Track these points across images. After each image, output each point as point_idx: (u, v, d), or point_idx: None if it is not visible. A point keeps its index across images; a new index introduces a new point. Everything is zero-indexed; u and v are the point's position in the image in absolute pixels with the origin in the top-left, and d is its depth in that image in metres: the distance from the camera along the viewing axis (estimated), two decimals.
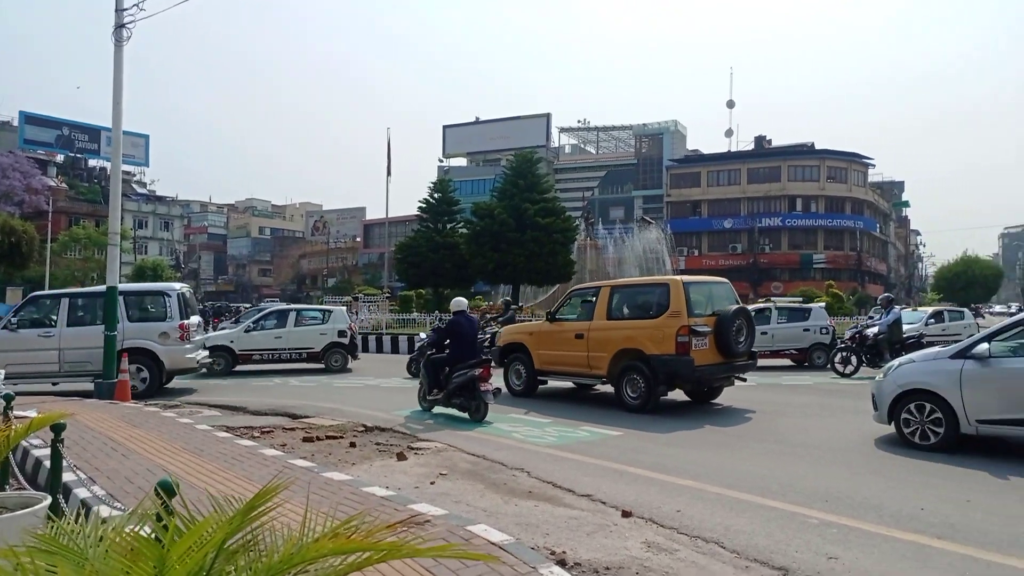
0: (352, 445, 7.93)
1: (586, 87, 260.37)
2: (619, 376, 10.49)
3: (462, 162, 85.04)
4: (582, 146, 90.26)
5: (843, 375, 14.90)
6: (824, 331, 17.60)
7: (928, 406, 7.51)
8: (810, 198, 66.61)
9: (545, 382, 12.24)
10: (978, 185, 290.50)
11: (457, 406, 9.86)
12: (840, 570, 4.14)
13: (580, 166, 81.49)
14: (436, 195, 42.31)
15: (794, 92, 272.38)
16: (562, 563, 4.19)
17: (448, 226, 41.86)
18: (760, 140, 73.08)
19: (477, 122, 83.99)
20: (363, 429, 8.95)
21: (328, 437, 8.31)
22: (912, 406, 7.66)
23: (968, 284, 53.88)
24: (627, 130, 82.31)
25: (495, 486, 6.17)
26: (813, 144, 69.44)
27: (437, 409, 10.39)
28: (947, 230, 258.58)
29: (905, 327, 20.27)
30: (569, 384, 12.21)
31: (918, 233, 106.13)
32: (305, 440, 8.14)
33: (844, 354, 15.21)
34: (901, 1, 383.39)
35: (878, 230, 73.32)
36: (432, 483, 6.24)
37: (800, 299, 25.46)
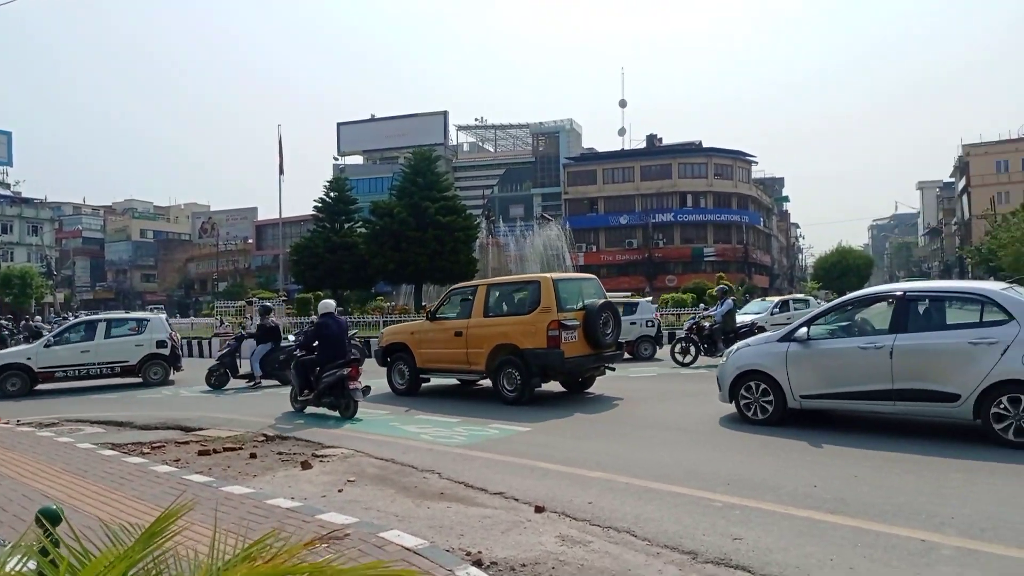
0: (253, 456, 7.58)
1: (483, 85, 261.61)
2: (496, 370, 10.88)
3: (358, 160, 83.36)
4: (480, 144, 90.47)
5: (682, 364, 15.62)
6: (650, 324, 18.64)
7: (762, 385, 8.23)
8: (699, 194, 69.59)
9: (428, 380, 12.43)
10: (849, 181, 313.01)
11: (327, 405, 10.18)
12: (744, 549, 4.31)
13: (479, 164, 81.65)
14: (332, 194, 41.30)
15: (681, 92, 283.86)
16: (478, 563, 4.16)
17: (346, 226, 40.95)
18: (651, 139, 75.61)
19: (372, 119, 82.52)
20: (264, 439, 8.59)
21: (226, 449, 7.91)
22: (750, 384, 8.36)
23: (843, 273, 57.65)
24: (524, 128, 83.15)
25: (406, 490, 6.05)
26: (701, 143, 72.53)
27: (311, 411, 10.55)
28: (823, 223, 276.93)
29: (752, 316, 21.71)
30: (453, 381, 12.54)
31: (798, 226, 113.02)
32: (201, 454, 7.72)
33: (683, 344, 15.93)
34: (780, 15, 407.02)
35: (762, 224, 77.52)
36: (340, 491, 6.05)
37: (629, 294, 26.97)
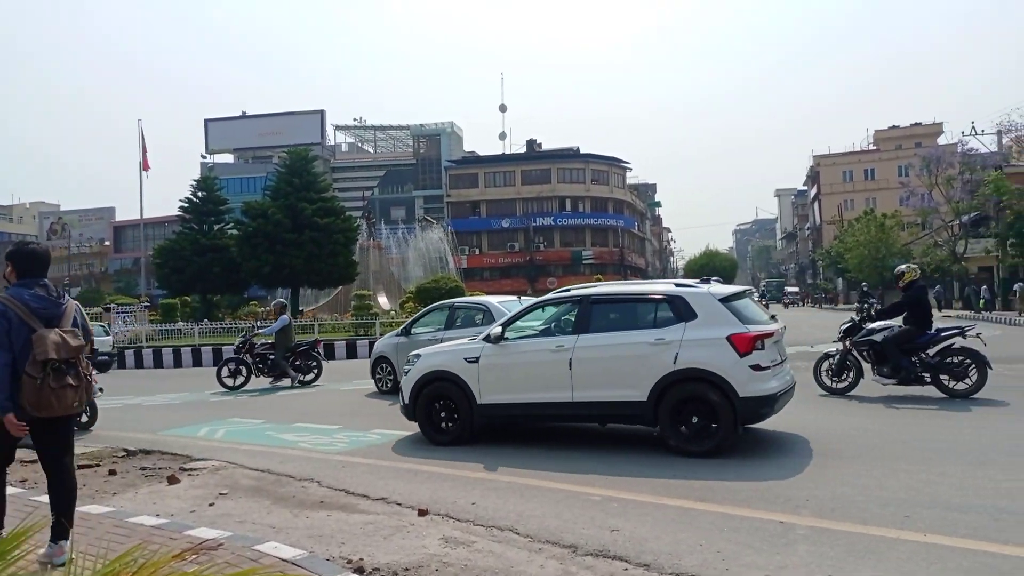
0: (112, 473, 7.05)
1: (362, 85, 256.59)
2: None
3: (228, 159, 79.57)
4: (359, 145, 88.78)
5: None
6: None
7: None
8: (578, 199, 71.67)
9: None
10: (716, 188, 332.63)
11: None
12: (621, 540, 4.47)
13: (358, 165, 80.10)
14: (200, 193, 39.25)
15: (559, 100, 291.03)
16: (360, 570, 4.07)
17: (215, 227, 39.04)
18: (531, 144, 77.07)
19: (244, 116, 79.04)
20: (124, 454, 8.00)
21: (81, 466, 7.30)
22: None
23: (711, 274, 61.04)
24: (405, 130, 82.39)
25: (283, 500, 5.83)
26: (578, 148, 74.70)
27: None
28: (693, 227, 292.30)
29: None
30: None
31: (669, 230, 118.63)
32: None
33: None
34: (657, 32, 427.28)
35: (636, 228, 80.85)
36: (211, 505, 5.74)
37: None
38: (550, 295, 8.45)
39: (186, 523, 4.89)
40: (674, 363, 6.65)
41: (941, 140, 57.51)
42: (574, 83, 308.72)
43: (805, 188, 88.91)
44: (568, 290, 8.18)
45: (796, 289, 74.21)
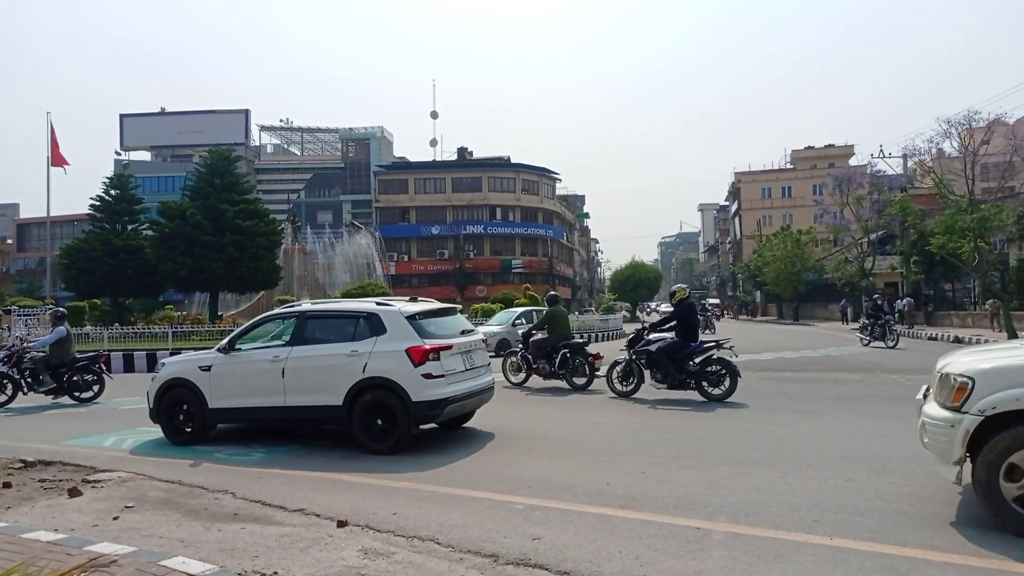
0: (6, 485, 6.59)
1: (289, 87, 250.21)
2: None
3: (146, 156, 76.35)
4: (285, 147, 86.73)
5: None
6: None
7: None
8: (508, 208, 72.00)
9: None
10: (642, 201, 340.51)
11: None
12: (543, 548, 4.48)
13: (284, 167, 78.22)
14: (113, 192, 37.49)
15: (491, 108, 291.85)
16: None
17: (129, 227, 37.37)
18: (462, 151, 77.07)
19: (163, 113, 76.06)
20: (21, 465, 7.50)
21: None
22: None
23: (636, 285, 62.30)
24: (333, 133, 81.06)
25: (194, 513, 5.59)
26: (509, 158, 75.17)
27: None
28: (619, 239, 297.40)
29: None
30: None
31: (597, 241, 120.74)
32: None
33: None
34: (587, 40, 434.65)
35: (565, 238, 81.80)
36: (116, 518, 5.44)
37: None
38: (277, 310, 9.39)
39: (87, 538, 4.62)
40: (363, 372, 7.68)
41: (853, 161, 60.74)
42: (508, 95, 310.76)
43: (727, 203, 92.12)
44: (293, 306, 9.04)
45: (716, 301, 76.69)
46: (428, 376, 7.58)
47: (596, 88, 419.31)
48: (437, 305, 8.89)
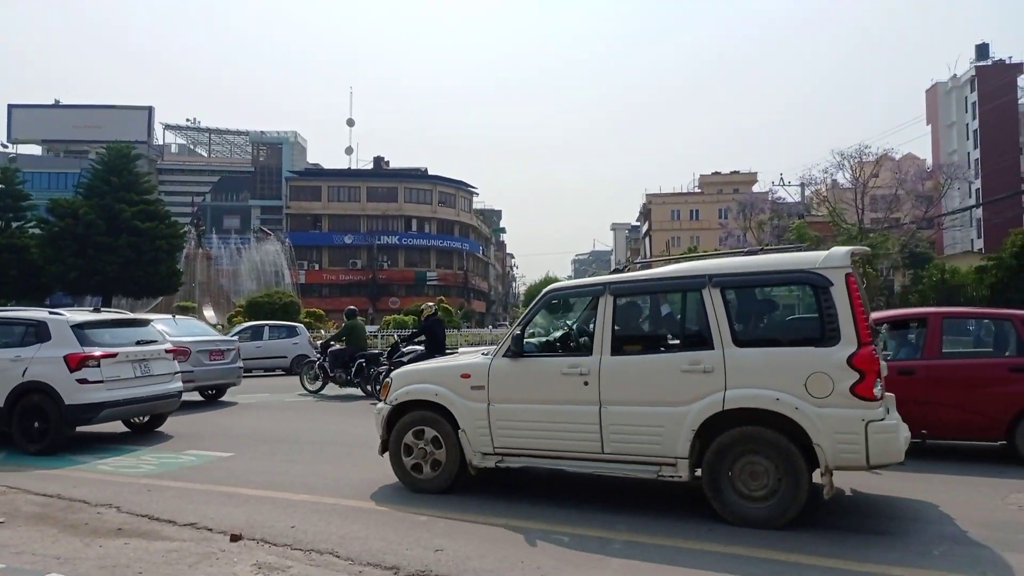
0: None
1: (196, 86, 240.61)
2: None
3: (36, 150, 71.69)
4: (192, 147, 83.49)
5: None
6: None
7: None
8: (424, 219, 71.63)
9: None
10: (555, 216, 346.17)
11: None
12: (445, 560, 4.42)
13: (189, 168, 75.24)
14: None
15: (408, 119, 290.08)
16: None
17: (14, 225, 34.89)
18: (379, 161, 76.23)
19: (57, 105, 71.79)
20: None
21: None
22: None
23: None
24: (244, 136, 78.67)
25: (73, 528, 5.22)
26: (427, 169, 74.95)
27: None
28: (535, 254, 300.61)
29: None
30: None
31: (513, 256, 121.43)
32: None
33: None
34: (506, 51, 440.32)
35: (481, 252, 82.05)
36: None
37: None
38: None
39: None
40: (23, 376, 8.11)
41: (756, 188, 63.78)
42: (425, 105, 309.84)
43: (638, 224, 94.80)
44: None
45: None
46: (83, 381, 8.04)
47: (516, 102, 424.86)
48: (117, 316, 9.46)
